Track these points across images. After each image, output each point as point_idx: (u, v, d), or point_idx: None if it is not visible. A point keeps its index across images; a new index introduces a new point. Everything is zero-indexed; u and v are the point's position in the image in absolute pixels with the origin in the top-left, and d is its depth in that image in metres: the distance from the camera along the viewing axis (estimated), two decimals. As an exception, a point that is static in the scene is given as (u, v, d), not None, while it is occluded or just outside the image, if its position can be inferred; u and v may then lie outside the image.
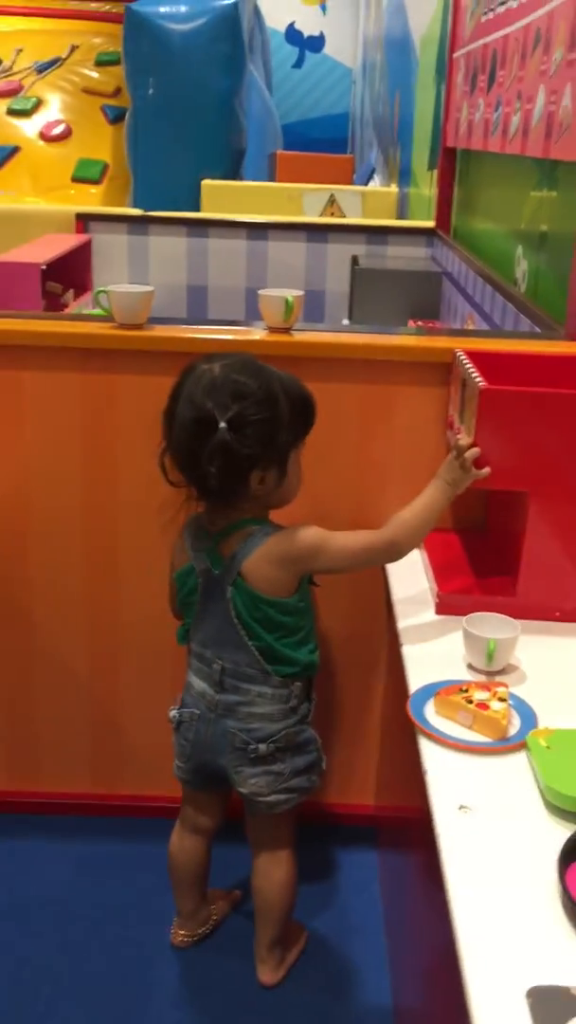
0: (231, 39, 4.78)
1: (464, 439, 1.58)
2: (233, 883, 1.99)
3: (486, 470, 1.57)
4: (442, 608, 1.63)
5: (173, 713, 1.70)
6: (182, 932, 1.87)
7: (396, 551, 1.61)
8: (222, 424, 1.46)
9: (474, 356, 1.70)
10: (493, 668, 1.44)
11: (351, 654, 2.04)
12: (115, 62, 5.49)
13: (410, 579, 1.74)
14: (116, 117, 5.49)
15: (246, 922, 1.88)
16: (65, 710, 2.10)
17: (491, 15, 2.76)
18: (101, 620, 2.02)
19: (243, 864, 1.83)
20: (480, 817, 1.15)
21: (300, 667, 1.63)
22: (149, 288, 1.85)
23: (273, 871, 1.74)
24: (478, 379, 1.57)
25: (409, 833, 1.64)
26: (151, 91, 4.82)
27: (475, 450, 1.55)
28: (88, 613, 2.02)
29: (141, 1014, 1.75)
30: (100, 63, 5.77)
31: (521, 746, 1.27)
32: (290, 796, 1.67)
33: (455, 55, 3.39)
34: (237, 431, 1.46)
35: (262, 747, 1.62)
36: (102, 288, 1.86)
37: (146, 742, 2.08)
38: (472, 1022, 0.88)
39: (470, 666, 1.47)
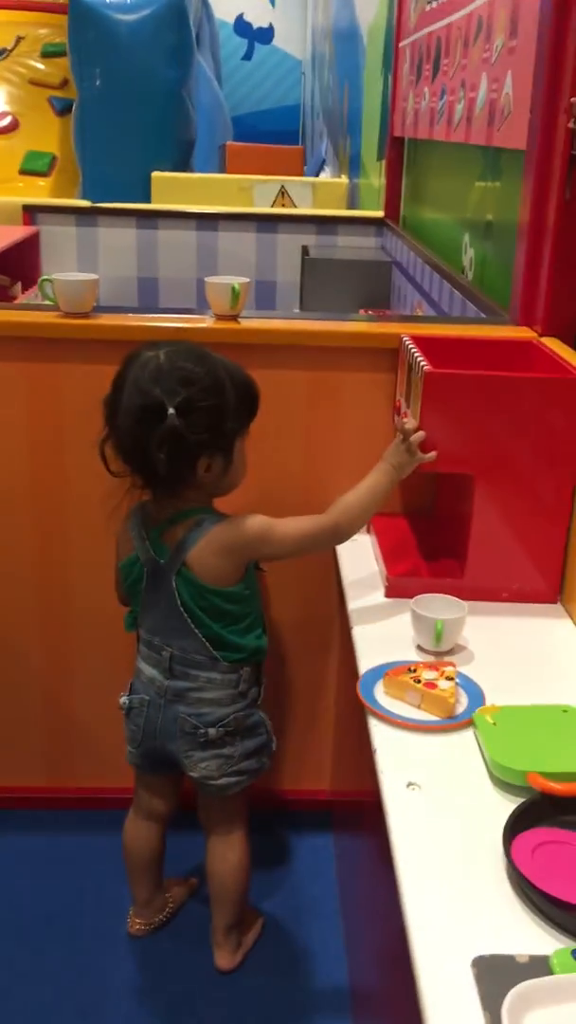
0: (178, 29, 4.75)
1: (410, 423, 1.60)
2: (188, 871, 1.99)
3: (432, 454, 1.58)
4: (391, 591, 1.64)
5: (123, 699, 1.70)
6: (138, 921, 1.87)
7: (340, 534, 1.63)
8: (171, 410, 1.45)
9: (420, 341, 1.71)
10: (442, 648, 1.46)
11: (303, 639, 2.05)
12: (61, 53, 5.42)
13: (360, 563, 1.75)
14: (63, 109, 5.43)
15: (202, 909, 1.89)
16: (17, 704, 2.08)
17: (435, 4, 2.78)
18: (52, 611, 2.01)
19: (198, 852, 1.83)
20: (428, 793, 1.16)
21: (248, 653, 1.63)
22: (93, 276, 1.84)
23: (227, 853, 1.74)
24: (423, 363, 1.58)
25: (362, 815, 1.65)
26: (98, 82, 4.77)
27: (420, 434, 1.57)
28: (38, 604, 2.01)
29: (99, 1004, 1.75)
30: (46, 54, 5.70)
31: (468, 724, 1.29)
32: (240, 779, 1.68)
33: (401, 44, 3.40)
34: (185, 417, 1.46)
35: (212, 731, 1.62)
36: (46, 276, 1.84)
37: (100, 733, 2.07)
38: (420, 993, 0.90)
39: (419, 647, 1.48)
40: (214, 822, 1.75)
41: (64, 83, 5.48)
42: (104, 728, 2.02)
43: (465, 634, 1.49)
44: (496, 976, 0.89)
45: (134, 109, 4.76)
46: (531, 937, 0.95)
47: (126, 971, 1.81)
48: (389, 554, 1.73)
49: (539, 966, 0.90)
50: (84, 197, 4.59)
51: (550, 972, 0.89)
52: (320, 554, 1.90)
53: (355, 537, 1.86)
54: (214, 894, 1.77)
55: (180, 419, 1.45)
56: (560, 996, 0.86)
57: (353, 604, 1.63)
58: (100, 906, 1.94)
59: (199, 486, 1.56)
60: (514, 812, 1.09)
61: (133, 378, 1.49)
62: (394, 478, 1.61)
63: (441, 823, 1.11)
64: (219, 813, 1.73)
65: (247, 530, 1.57)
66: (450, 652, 1.47)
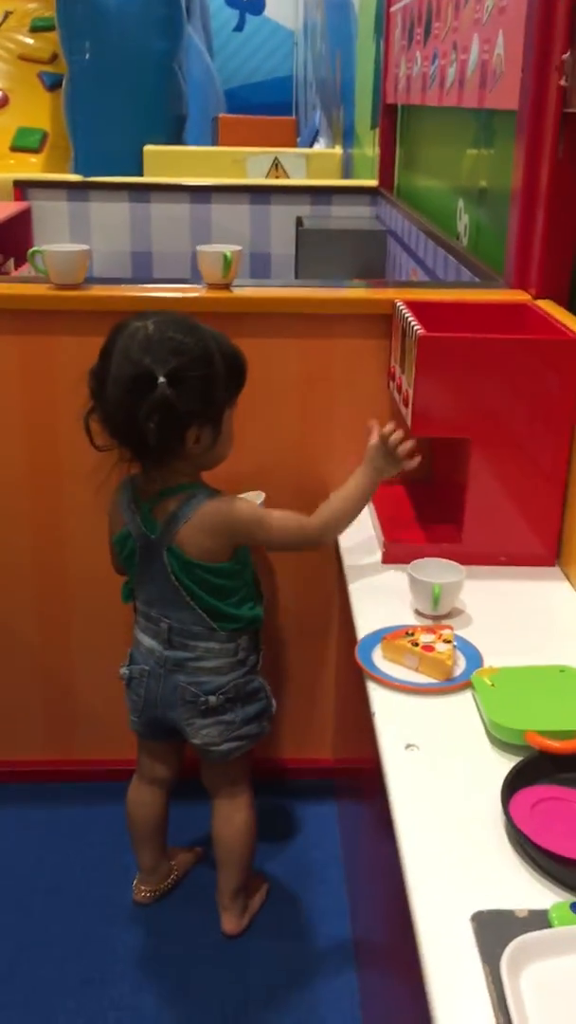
0: (167, 0, 4.70)
1: (389, 427, 1.61)
2: (193, 840, 2.00)
3: (416, 460, 1.62)
4: (389, 557, 1.64)
5: (123, 670, 1.70)
6: (144, 888, 1.88)
7: (326, 536, 1.65)
8: (161, 379, 1.43)
9: (414, 306, 1.70)
10: (439, 612, 1.46)
11: (303, 607, 2.05)
12: (50, 28, 5.35)
13: (358, 529, 1.75)
14: (54, 84, 5.38)
15: (208, 877, 1.89)
16: (16, 676, 2.08)
17: (425, -34, 2.74)
18: (48, 583, 2.01)
19: (202, 822, 1.83)
20: (427, 754, 1.16)
21: (244, 622, 1.64)
22: (84, 247, 1.82)
23: (233, 815, 1.75)
24: (417, 327, 1.57)
25: (363, 780, 1.66)
26: (87, 56, 4.72)
27: (398, 434, 1.60)
28: (35, 577, 2.00)
29: (104, 973, 1.76)
30: (35, 29, 5.63)
31: (466, 685, 1.29)
32: (242, 743, 1.69)
33: (392, 9, 3.37)
34: (176, 387, 1.44)
35: (212, 699, 1.62)
36: (37, 248, 1.83)
37: (99, 705, 2.07)
38: (420, 948, 0.90)
39: (417, 612, 1.48)
40: (218, 786, 1.75)
41: (54, 58, 5.43)
42: (103, 699, 2.03)
43: (463, 598, 1.49)
44: (495, 930, 0.90)
45: (125, 82, 4.71)
46: (530, 892, 0.96)
47: (131, 939, 1.82)
48: (386, 520, 1.72)
49: (538, 920, 0.91)
50: (76, 173, 4.56)
51: (549, 925, 0.90)
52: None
53: (352, 504, 1.86)
54: (220, 858, 1.78)
55: (170, 388, 1.44)
56: (559, 948, 0.87)
57: (351, 571, 1.63)
58: (103, 876, 1.96)
59: (188, 458, 1.54)
60: (512, 770, 1.09)
61: (122, 348, 1.47)
62: (376, 481, 1.64)
63: (440, 783, 1.11)
64: (222, 777, 1.74)
65: (240, 515, 1.58)
66: (448, 616, 1.47)
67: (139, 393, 1.44)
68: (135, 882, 1.89)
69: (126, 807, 1.83)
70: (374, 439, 1.64)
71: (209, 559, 1.57)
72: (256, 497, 1.79)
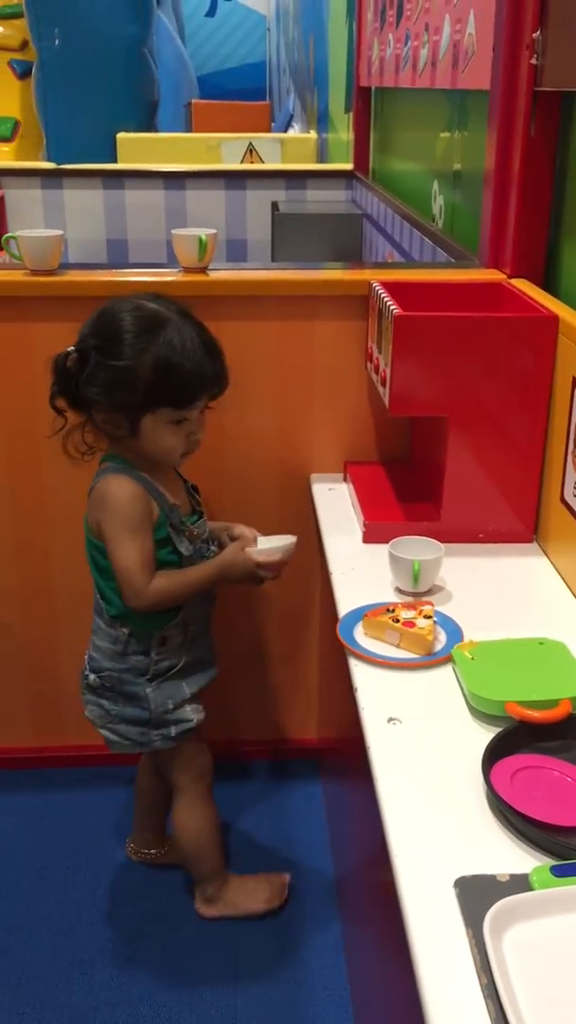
0: (136, -15, 4.67)
1: (261, 557, 1.54)
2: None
3: (269, 579, 1.58)
4: (369, 536, 1.65)
5: None
6: (131, 845, 1.94)
7: (141, 599, 1.51)
8: (71, 348, 1.48)
9: (390, 287, 1.71)
10: (419, 589, 1.47)
11: (285, 589, 2.05)
12: (19, 15, 5.31)
13: (337, 509, 1.76)
14: (24, 72, 5.33)
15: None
16: (1, 663, 2.09)
17: (396, -52, 2.74)
18: (32, 570, 2.01)
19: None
20: (409, 727, 1.18)
21: (120, 612, 1.58)
22: (58, 232, 1.82)
23: (176, 813, 1.76)
24: (393, 307, 1.58)
25: (347, 756, 1.67)
26: (57, 43, 4.69)
27: (267, 572, 1.55)
28: (18, 564, 2.01)
29: (95, 954, 1.77)
30: (4, 16, 5.57)
31: (447, 660, 1.30)
32: (121, 740, 1.65)
33: (364, -8, 3.36)
34: (82, 363, 1.46)
35: (92, 677, 1.64)
36: (11, 234, 1.82)
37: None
38: (404, 913, 0.92)
39: (398, 589, 1.49)
40: (166, 777, 1.76)
41: (24, 45, 5.38)
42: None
43: (443, 575, 1.50)
44: (478, 895, 0.91)
45: (95, 68, 4.68)
46: (511, 857, 0.97)
47: (120, 922, 1.83)
48: (366, 500, 1.74)
49: (519, 883, 0.92)
50: (48, 161, 4.53)
51: (530, 889, 0.91)
52: (297, 503, 1.91)
53: (332, 485, 1.89)
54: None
55: (75, 361, 1.46)
56: (539, 911, 0.89)
57: (332, 550, 1.64)
58: (92, 859, 1.97)
59: (108, 434, 1.52)
60: (493, 740, 1.11)
61: (105, 304, 1.51)
62: (219, 583, 1.58)
63: (422, 754, 1.13)
64: (162, 767, 1.74)
65: (109, 505, 1.51)
66: (428, 593, 1.48)
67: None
68: (128, 839, 1.96)
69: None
70: (240, 543, 1.58)
71: (94, 535, 1.56)
72: (281, 541, 1.59)
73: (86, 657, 1.66)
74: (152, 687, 1.61)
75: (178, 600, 1.56)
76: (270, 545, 1.58)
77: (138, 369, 1.44)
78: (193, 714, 1.65)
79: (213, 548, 1.63)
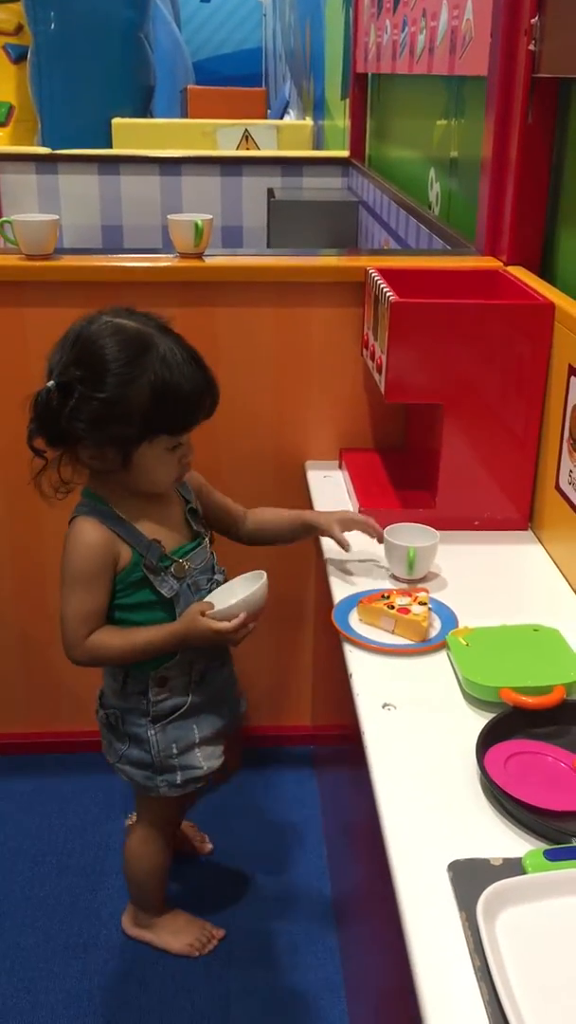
0: (132, -31, 4.65)
1: (224, 626, 1.39)
2: (211, 833, 2.00)
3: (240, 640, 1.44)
4: (364, 523, 1.65)
5: None
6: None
7: (73, 652, 1.44)
8: (51, 384, 1.33)
9: (386, 274, 1.70)
10: (415, 576, 1.47)
11: (280, 576, 2.04)
12: (14, -2, 5.29)
13: (333, 497, 1.76)
14: (19, 56, 5.30)
15: (204, 861, 1.92)
16: (-4, 652, 2.09)
17: None
18: (25, 553, 2.01)
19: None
20: (403, 713, 1.18)
21: None
22: (54, 216, 1.81)
23: (130, 833, 1.71)
24: (389, 294, 1.57)
25: (341, 742, 1.68)
26: (53, 27, 4.66)
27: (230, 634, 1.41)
28: (11, 547, 2.00)
29: (88, 938, 1.78)
30: (-1, 0, 5.55)
31: (442, 646, 1.31)
32: (126, 778, 1.58)
33: (361, -22, 3.34)
34: (64, 397, 1.32)
35: (100, 712, 1.58)
36: (6, 218, 1.81)
37: (80, 677, 2.07)
38: (398, 896, 0.92)
39: (393, 576, 1.49)
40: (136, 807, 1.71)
41: (19, 29, 5.35)
42: (84, 671, 2.02)
43: (438, 562, 1.51)
44: (471, 878, 0.92)
45: (91, 53, 4.66)
46: (504, 842, 0.98)
47: (113, 906, 1.84)
48: (361, 487, 1.74)
49: (512, 867, 0.93)
50: (43, 146, 4.50)
51: (523, 872, 0.92)
52: (293, 490, 1.91)
53: (327, 472, 1.89)
54: None
55: (56, 396, 1.32)
56: (532, 894, 0.89)
57: (327, 538, 1.63)
58: (86, 844, 1.98)
59: (92, 468, 1.41)
60: (487, 725, 1.11)
61: (71, 330, 1.36)
62: (175, 647, 1.46)
63: (416, 740, 1.13)
64: (137, 797, 1.67)
65: (66, 548, 1.43)
66: (423, 580, 1.48)
67: (44, 385, 1.34)
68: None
69: None
70: (197, 606, 1.42)
71: None
72: (243, 588, 1.44)
73: (98, 691, 1.60)
74: (156, 729, 1.51)
75: (118, 661, 1.47)
76: (228, 602, 1.41)
77: (133, 398, 1.31)
78: (204, 761, 1.54)
79: (217, 577, 1.51)
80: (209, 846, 1.97)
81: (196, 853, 1.96)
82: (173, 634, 1.43)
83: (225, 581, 1.52)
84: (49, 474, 1.41)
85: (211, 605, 1.42)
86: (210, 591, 1.49)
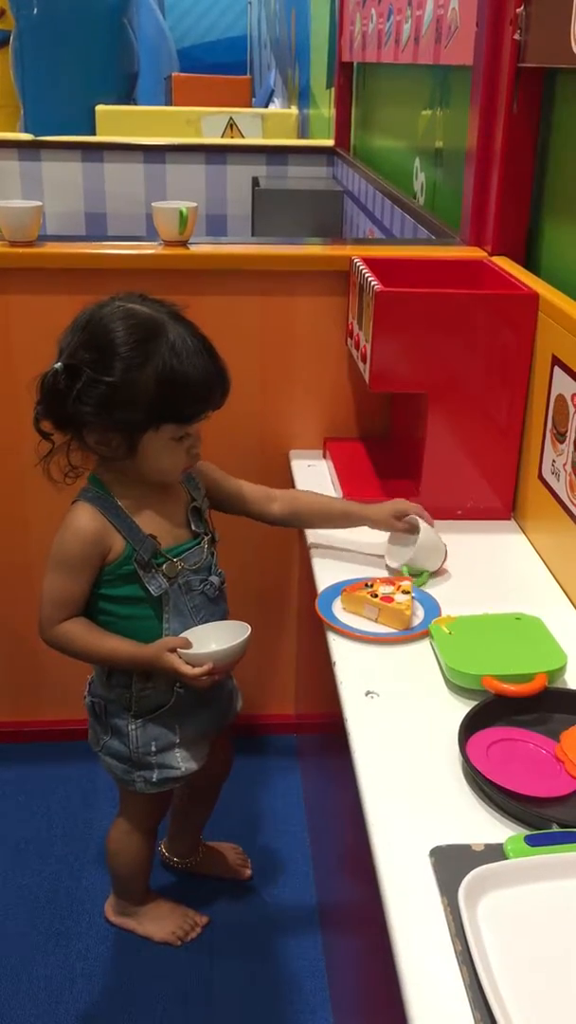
0: (116, -47, 4.61)
1: (196, 671, 1.38)
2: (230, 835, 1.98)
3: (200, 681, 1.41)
4: (347, 512, 1.65)
5: None
6: (163, 850, 1.90)
7: (44, 634, 1.44)
8: (58, 365, 1.32)
9: (371, 263, 1.70)
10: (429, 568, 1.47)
11: (263, 565, 2.06)
12: (-3, -19, 5.24)
13: (317, 487, 1.76)
14: (1, 41, 5.26)
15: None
16: (-21, 640, 2.08)
17: None
18: (9, 541, 2.00)
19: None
20: (386, 701, 1.19)
21: None
22: (37, 203, 1.80)
23: (112, 824, 1.69)
24: (374, 283, 1.57)
25: (324, 730, 1.68)
26: (35, 11, 4.63)
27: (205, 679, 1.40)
28: (-4, 540, 2.00)
29: (72, 925, 1.78)
30: (-19, -17, 5.50)
31: (425, 635, 1.31)
32: (107, 768, 1.57)
33: (347, -35, 3.33)
34: (70, 380, 1.31)
35: (87, 698, 1.57)
36: (-12, 205, 1.80)
37: (63, 666, 2.05)
38: (380, 882, 0.93)
39: (388, 567, 1.49)
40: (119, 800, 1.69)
41: (1, 13, 5.30)
42: (67, 660, 2.02)
43: (420, 551, 1.51)
44: (453, 864, 0.92)
45: (73, 38, 4.63)
46: (486, 828, 0.99)
47: (96, 893, 1.84)
48: (345, 476, 1.74)
49: (494, 853, 0.93)
50: (26, 132, 4.47)
51: (504, 858, 0.93)
52: (276, 479, 1.90)
53: (311, 462, 1.89)
54: None
55: (62, 379, 1.31)
56: (513, 879, 0.90)
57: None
58: (68, 832, 1.98)
59: (98, 453, 1.39)
60: (469, 713, 1.11)
61: (83, 312, 1.36)
62: (137, 668, 1.45)
63: (399, 727, 1.14)
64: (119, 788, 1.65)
65: (57, 537, 1.42)
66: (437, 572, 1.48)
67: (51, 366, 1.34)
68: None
69: None
70: (163, 642, 1.41)
71: None
72: (221, 640, 1.42)
73: (88, 678, 1.59)
74: (136, 724, 1.50)
75: (81, 658, 1.45)
76: (205, 647, 1.40)
77: (140, 383, 1.30)
78: (182, 763, 1.53)
79: (213, 579, 1.49)
80: (248, 872, 1.89)
81: (235, 878, 1.88)
82: (139, 656, 1.42)
83: (222, 584, 1.52)
84: (59, 458, 1.41)
85: (187, 641, 1.41)
86: (203, 592, 1.48)
